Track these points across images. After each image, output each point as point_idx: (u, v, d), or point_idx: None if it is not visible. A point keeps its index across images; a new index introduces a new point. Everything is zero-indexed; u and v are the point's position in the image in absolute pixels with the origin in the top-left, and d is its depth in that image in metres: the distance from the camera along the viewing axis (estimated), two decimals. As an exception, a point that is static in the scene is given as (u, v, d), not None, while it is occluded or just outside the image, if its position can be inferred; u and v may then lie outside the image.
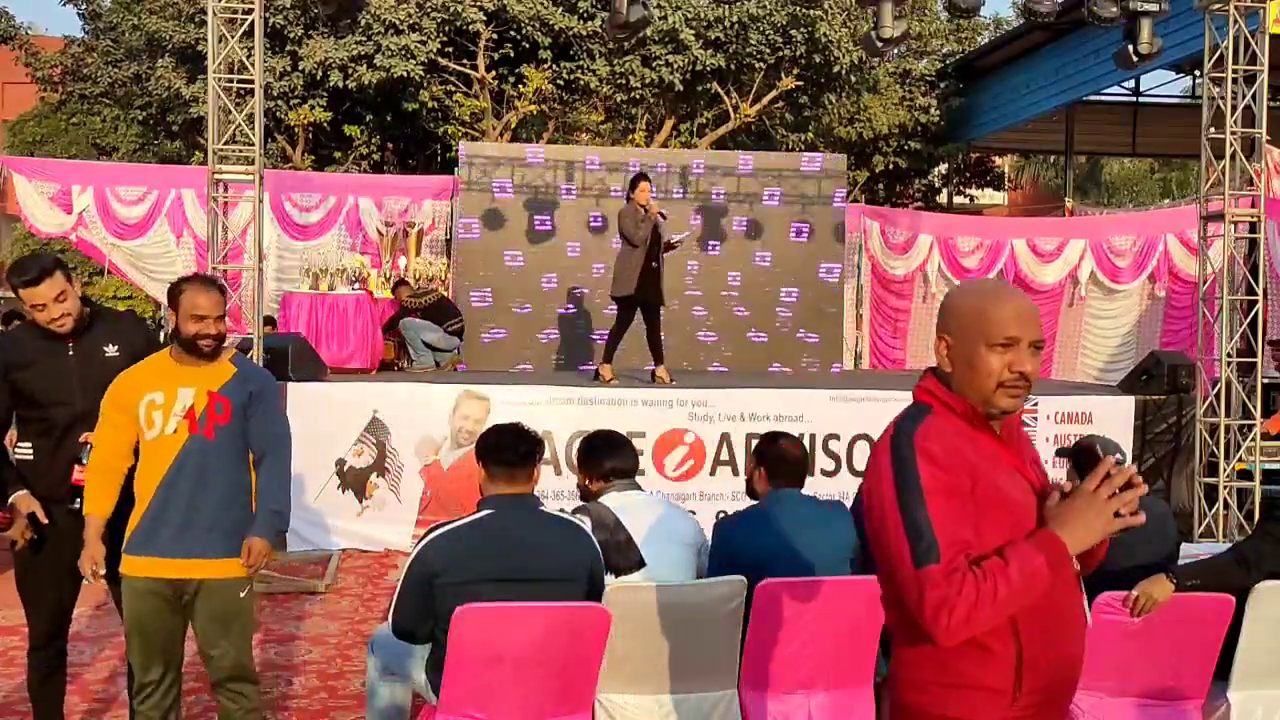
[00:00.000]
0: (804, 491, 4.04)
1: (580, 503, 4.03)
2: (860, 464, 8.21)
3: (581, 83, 16.20)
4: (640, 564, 3.72)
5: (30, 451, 3.75)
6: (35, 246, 21.50)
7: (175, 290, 3.56)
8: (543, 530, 3.40)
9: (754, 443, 4.25)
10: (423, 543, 3.35)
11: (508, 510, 3.38)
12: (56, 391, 3.70)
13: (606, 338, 8.98)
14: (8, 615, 6.10)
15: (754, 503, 4.06)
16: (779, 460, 4.03)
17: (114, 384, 3.56)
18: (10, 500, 3.66)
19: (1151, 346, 12.54)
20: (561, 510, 3.59)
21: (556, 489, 7.60)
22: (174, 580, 3.50)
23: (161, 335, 7.38)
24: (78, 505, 3.61)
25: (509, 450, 3.42)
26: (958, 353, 2.10)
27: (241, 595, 3.57)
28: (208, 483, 3.51)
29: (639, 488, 4.06)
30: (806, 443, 7.55)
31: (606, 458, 4.06)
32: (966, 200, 24.95)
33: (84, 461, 3.64)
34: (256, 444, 3.61)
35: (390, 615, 3.41)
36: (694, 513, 4.95)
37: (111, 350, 3.75)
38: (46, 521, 3.68)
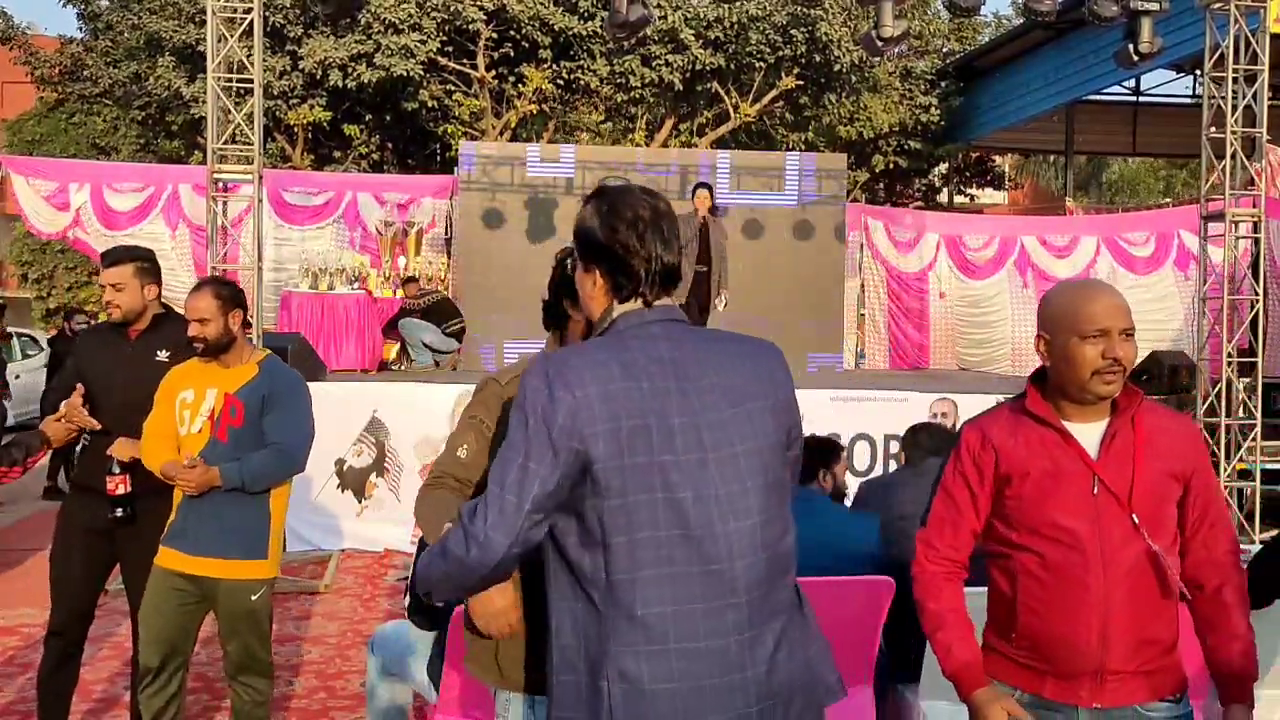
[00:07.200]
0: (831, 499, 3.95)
1: None
2: (861, 464, 8.18)
3: (581, 82, 16.19)
4: None
5: (86, 440, 3.93)
6: (35, 245, 21.51)
7: None
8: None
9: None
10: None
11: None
12: (106, 382, 3.86)
13: None
14: (7, 615, 6.11)
15: None
16: None
17: (164, 379, 3.73)
18: (40, 429, 3.80)
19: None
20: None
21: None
22: (194, 577, 3.59)
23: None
24: (119, 514, 3.73)
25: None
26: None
27: (254, 598, 3.63)
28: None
29: None
30: (807, 442, 7.50)
31: None
32: (967, 199, 24.95)
33: (114, 472, 3.70)
34: (267, 443, 3.63)
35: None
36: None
37: (163, 355, 3.87)
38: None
